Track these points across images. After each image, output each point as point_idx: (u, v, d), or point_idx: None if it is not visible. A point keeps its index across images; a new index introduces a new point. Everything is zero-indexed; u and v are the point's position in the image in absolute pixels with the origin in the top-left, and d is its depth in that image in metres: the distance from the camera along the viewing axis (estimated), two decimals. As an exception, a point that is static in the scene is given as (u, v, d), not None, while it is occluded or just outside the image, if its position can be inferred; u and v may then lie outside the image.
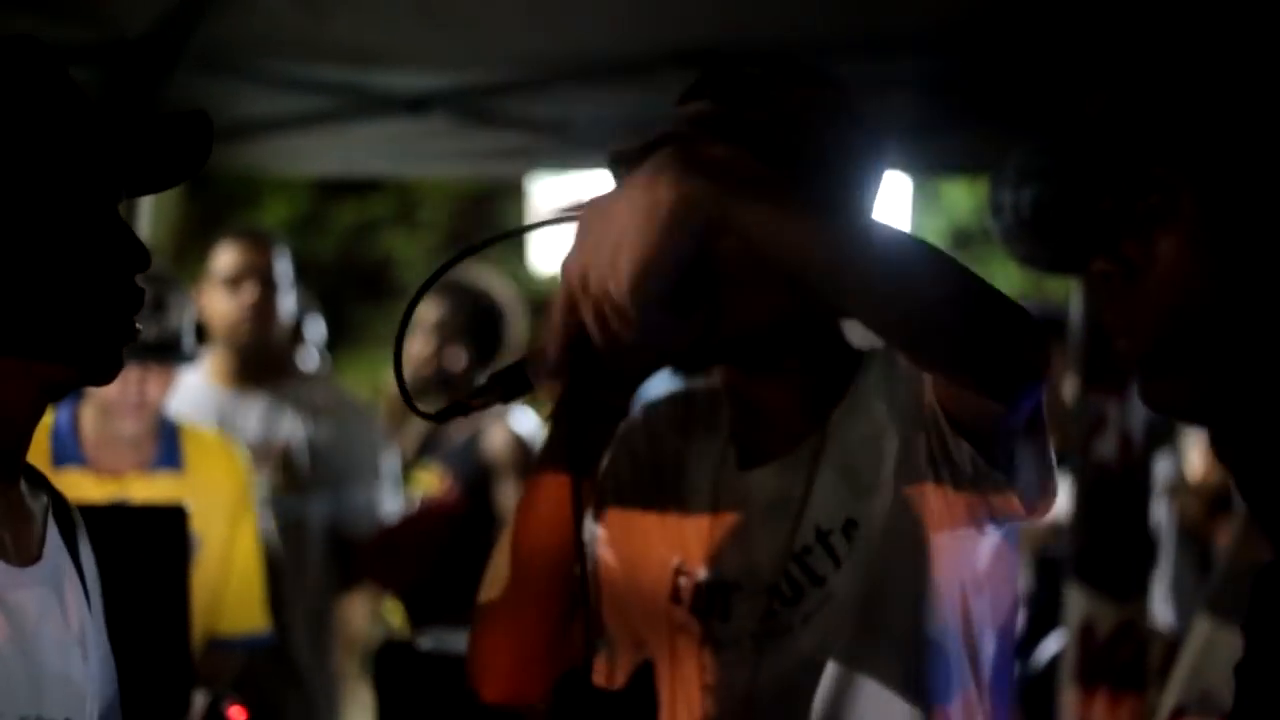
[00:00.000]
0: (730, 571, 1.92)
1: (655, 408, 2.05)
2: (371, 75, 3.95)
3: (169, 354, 3.27)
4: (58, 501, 1.60)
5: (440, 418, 1.75)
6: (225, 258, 4.24)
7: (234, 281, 4.20)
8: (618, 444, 1.94)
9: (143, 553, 2.95)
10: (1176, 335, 1.23)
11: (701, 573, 1.94)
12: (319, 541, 4.41)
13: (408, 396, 1.68)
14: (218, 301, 4.22)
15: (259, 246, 4.30)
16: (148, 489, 3.31)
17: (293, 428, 4.35)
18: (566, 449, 1.81)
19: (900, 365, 1.84)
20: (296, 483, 4.33)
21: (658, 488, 1.98)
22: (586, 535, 1.88)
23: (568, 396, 1.79)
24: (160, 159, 1.51)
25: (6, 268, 1.44)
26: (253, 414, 4.30)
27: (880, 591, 1.83)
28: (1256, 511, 1.28)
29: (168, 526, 3.01)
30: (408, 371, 1.73)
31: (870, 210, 1.86)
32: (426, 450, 4.85)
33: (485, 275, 5.09)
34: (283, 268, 4.29)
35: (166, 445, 3.39)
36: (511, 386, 1.71)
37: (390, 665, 3.29)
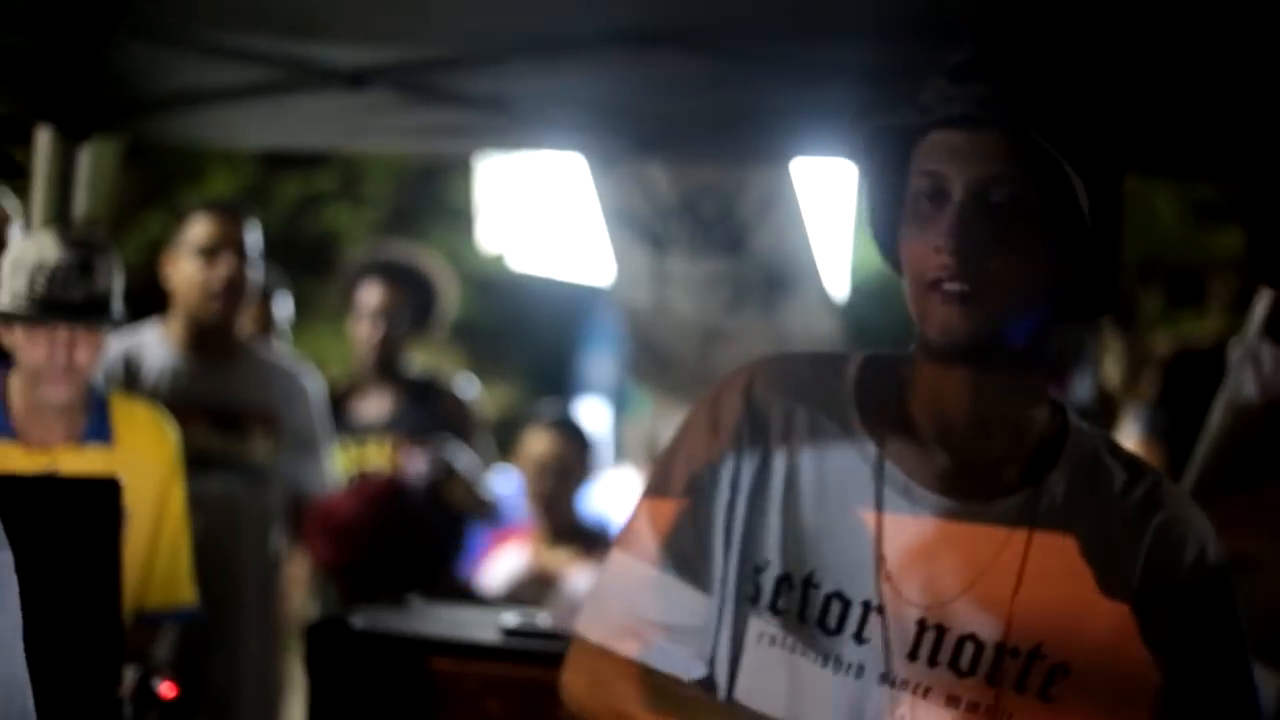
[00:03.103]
0: (881, 593, 1.77)
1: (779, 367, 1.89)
2: (311, 47, 3.91)
3: (96, 317, 3.22)
4: None
5: None
6: (199, 228, 4.34)
7: (209, 252, 4.31)
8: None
9: (74, 526, 2.92)
10: None
11: (832, 585, 1.79)
12: (268, 511, 4.42)
13: None
14: (190, 271, 4.32)
15: (233, 219, 4.40)
16: (77, 462, 3.27)
17: (247, 396, 4.36)
18: None
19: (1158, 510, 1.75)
20: (249, 452, 4.35)
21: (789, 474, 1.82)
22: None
23: None
24: None
25: None
26: (211, 382, 4.34)
27: None
28: None
29: (100, 500, 2.97)
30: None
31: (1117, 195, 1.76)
32: (371, 425, 4.94)
33: (422, 256, 5.27)
34: (254, 240, 4.38)
35: (96, 417, 3.35)
36: None
37: (322, 643, 3.27)
